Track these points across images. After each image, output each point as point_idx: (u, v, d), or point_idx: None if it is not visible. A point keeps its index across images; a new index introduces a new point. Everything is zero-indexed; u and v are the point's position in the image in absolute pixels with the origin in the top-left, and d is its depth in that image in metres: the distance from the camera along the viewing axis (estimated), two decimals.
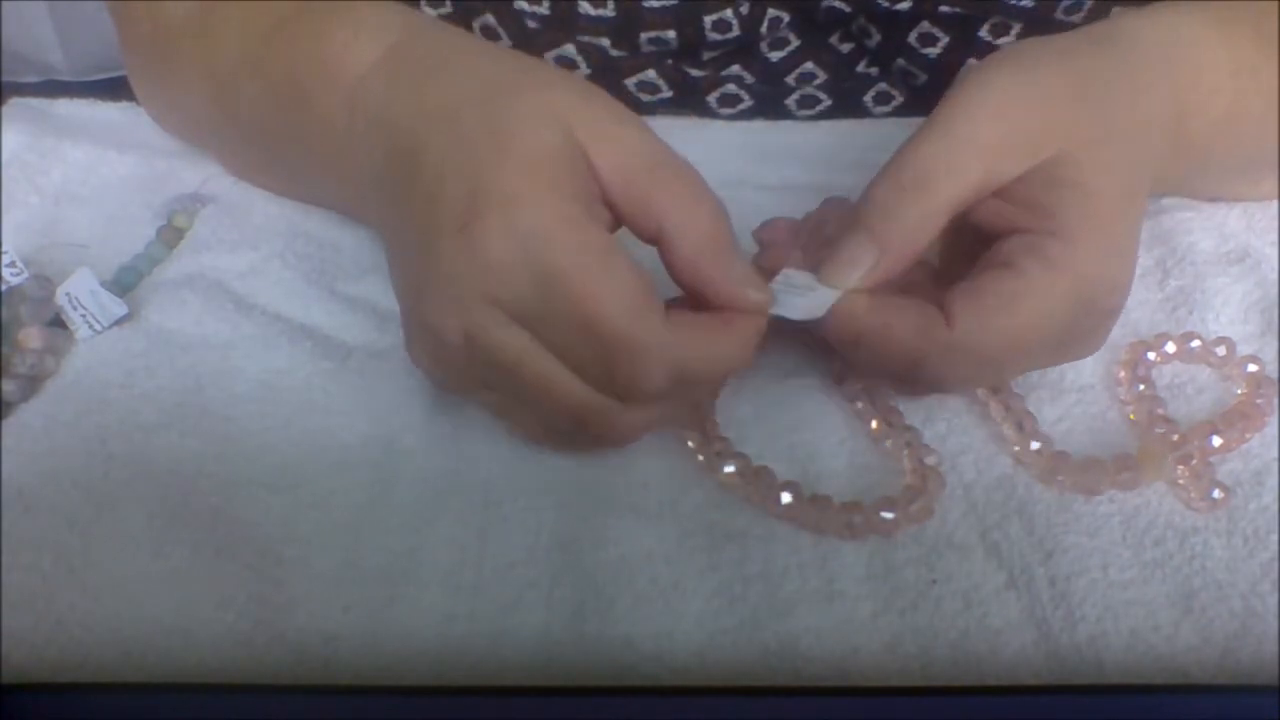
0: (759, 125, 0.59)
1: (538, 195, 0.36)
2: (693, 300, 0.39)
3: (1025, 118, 0.39)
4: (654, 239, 0.38)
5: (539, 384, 0.37)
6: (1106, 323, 0.41)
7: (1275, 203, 0.51)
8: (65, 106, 0.60)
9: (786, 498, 0.40)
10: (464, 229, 0.36)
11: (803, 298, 0.39)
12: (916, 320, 0.38)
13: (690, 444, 0.42)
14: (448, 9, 0.56)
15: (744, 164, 0.56)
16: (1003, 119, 0.39)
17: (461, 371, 0.39)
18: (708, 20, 0.53)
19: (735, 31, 0.54)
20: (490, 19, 0.55)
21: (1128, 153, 0.40)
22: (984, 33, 0.54)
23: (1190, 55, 0.44)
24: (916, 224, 0.38)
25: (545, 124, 0.37)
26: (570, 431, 0.39)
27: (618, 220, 0.39)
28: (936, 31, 0.54)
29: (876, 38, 0.55)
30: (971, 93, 0.39)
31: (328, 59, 0.43)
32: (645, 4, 0.53)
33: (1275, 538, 0.39)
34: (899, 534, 0.40)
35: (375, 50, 0.42)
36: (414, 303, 0.39)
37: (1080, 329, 0.40)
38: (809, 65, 0.56)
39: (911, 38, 0.54)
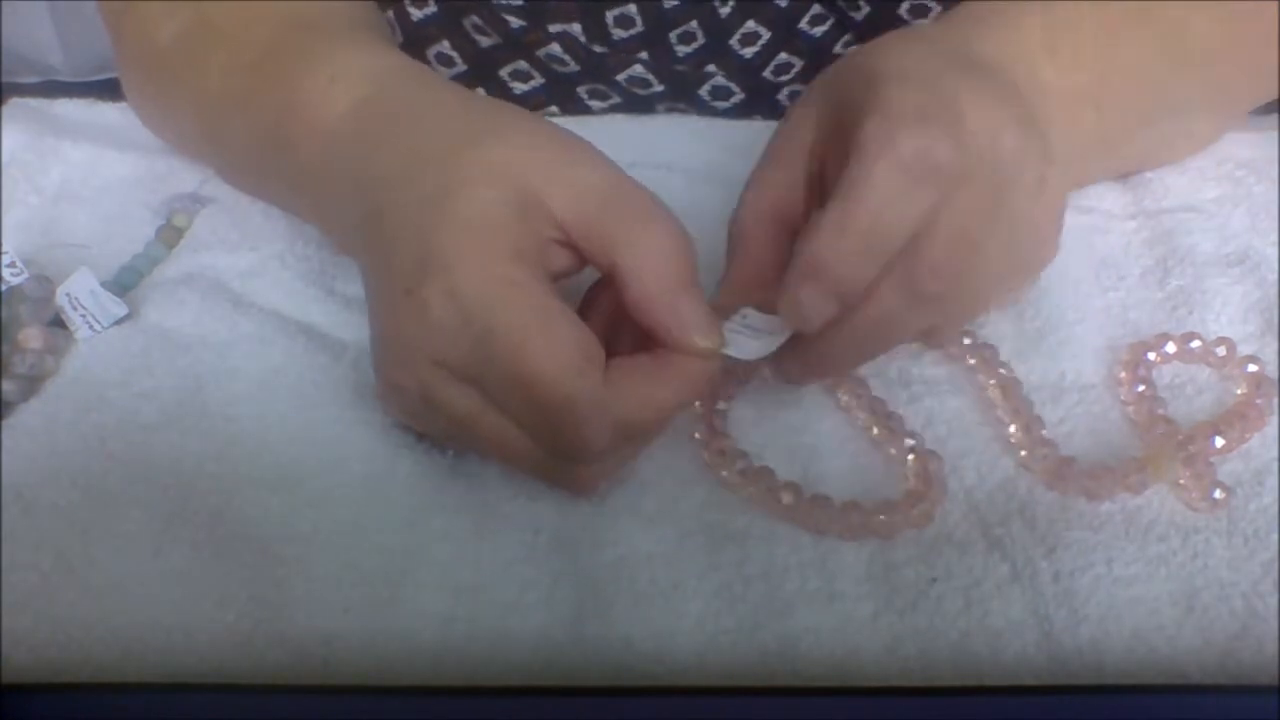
0: (758, 125, 0.59)
1: (476, 258, 0.37)
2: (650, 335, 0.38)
3: (809, 97, 0.41)
4: (611, 276, 0.38)
5: (493, 440, 0.38)
6: (1026, 184, 0.38)
7: (1276, 204, 0.51)
8: (65, 106, 0.60)
9: (787, 498, 0.40)
10: (410, 293, 0.37)
11: (755, 339, 0.39)
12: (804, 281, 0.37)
13: (696, 435, 0.42)
14: (433, 9, 0.56)
15: (744, 165, 0.56)
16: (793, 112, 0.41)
17: (427, 422, 0.40)
18: None
19: None
20: (476, 19, 0.55)
21: (919, 42, 0.41)
22: None
23: (1040, 31, 0.43)
24: (862, 262, 0.37)
25: (490, 182, 0.38)
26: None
27: (583, 260, 0.39)
28: (928, 2, 0.54)
29: (865, 9, 0.55)
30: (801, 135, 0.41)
31: (306, 106, 0.44)
32: None
33: (1275, 538, 0.39)
34: (899, 536, 0.40)
35: (346, 102, 0.43)
36: (377, 357, 0.40)
37: (982, 196, 0.37)
38: (783, 56, 0.56)
39: (903, 9, 0.54)
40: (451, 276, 0.36)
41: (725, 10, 0.55)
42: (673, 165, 0.55)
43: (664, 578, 0.39)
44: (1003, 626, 0.37)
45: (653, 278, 0.37)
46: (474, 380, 0.37)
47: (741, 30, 0.55)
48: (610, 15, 0.54)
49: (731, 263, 0.42)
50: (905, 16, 0.54)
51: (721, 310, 0.40)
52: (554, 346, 0.36)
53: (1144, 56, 0.46)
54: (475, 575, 0.39)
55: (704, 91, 0.58)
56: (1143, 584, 0.38)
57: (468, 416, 0.38)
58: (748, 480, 0.41)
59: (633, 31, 0.55)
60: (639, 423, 0.37)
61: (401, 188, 0.39)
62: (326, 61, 0.45)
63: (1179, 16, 0.46)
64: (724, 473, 0.41)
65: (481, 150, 0.39)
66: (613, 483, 0.41)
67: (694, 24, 0.55)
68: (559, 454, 0.37)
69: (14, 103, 0.60)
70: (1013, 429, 0.42)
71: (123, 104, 0.58)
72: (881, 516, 0.39)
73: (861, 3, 0.54)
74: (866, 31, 0.56)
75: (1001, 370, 0.44)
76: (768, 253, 0.41)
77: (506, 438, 0.38)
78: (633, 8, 0.54)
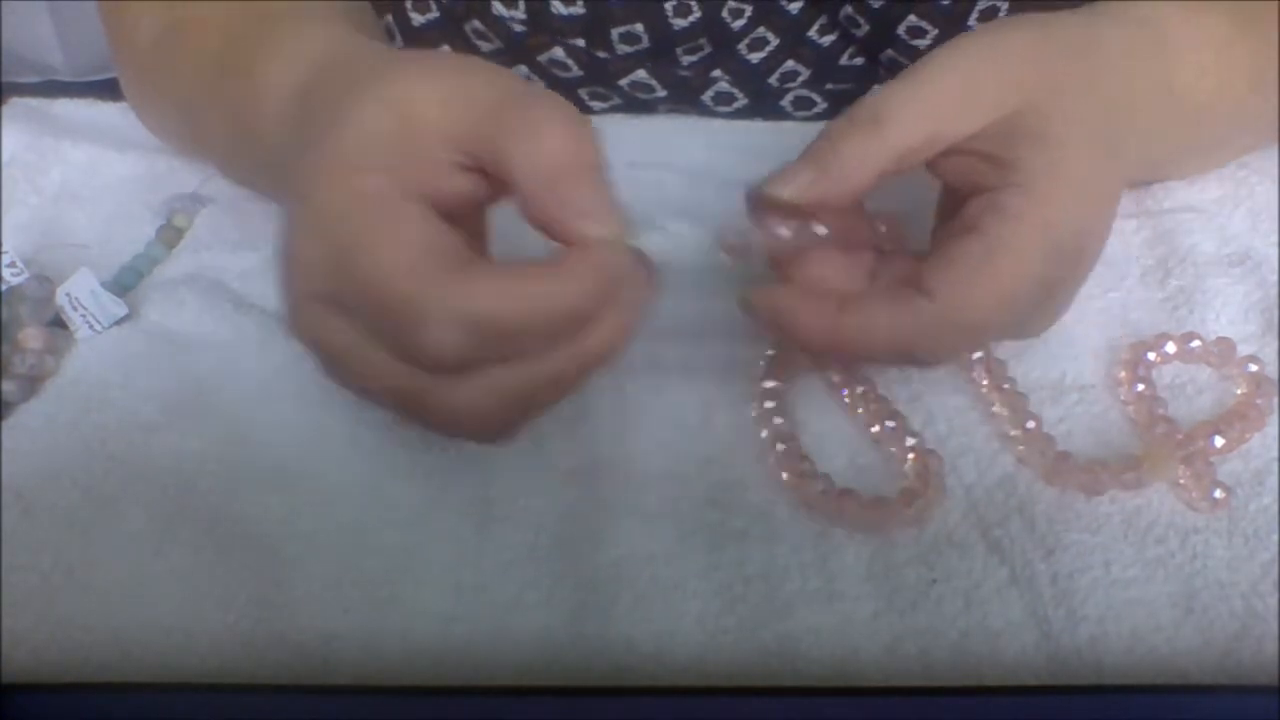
0: (758, 126, 0.59)
1: (334, 178, 0.35)
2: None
3: (985, 74, 0.39)
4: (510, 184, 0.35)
5: (363, 371, 0.36)
6: (1081, 271, 0.40)
7: (1277, 205, 0.51)
8: (65, 106, 0.60)
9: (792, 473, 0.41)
10: (287, 234, 0.36)
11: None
12: (894, 309, 0.38)
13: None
14: (434, 15, 0.56)
15: (744, 165, 0.56)
16: (961, 74, 0.39)
17: (326, 369, 0.38)
18: (668, 6, 0.54)
19: (696, 14, 0.54)
20: (478, 24, 0.55)
21: (1095, 103, 0.40)
22: (973, 22, 0.54)
23: (1174, 37, 0.44)
24: (859, 157, 0.38)
25: (374, 110, 0.35)
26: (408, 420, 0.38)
27: (494, 189, 0.37)
28: (925, 25, 0.54)
29: (865, 28, 0.55)
30: (940, 52, 0.40)
31: (261, 94, 0.43)
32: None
33: (1276, 538, 0.39)
34: (898, 534, 0.40)
35: (292, 83, 0.41)
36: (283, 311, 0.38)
37: (1056, 279, 0.39)
38: (790, 64, 0.57)
39: (900, 30, 0.55)
40: (311, 201, 0.35)
41: (738, 24, 0.55)
42: (672, 165, 0.55)
43: (664, 578, 0.39)
44: (1002, 627, 0.37)
45: (542, 168, 0.34)
46: (342, 306, 0.35)
47: (751, 36, 0.55)
48: (616, 32, 0.54)
49: (829, 172, 0.38)
50: (903, 36, 0.55)
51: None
52: (394, 245, 0.34)
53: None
54: (475, 575, 0.39)
55: (707, 97, 0.58)
56: (1141, 585, 0.38)
57: (341, 351, 0.36)
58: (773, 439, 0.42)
59: (638, 47, 0.55)
60: (500, 324, 0.33)
61: (302, 139, 0.37)
62: (281, 45, 0.44)
63: (1230, 36, 0.46)
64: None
65: (374, 85, 0.36)
66: (508, 435, 0.37)
67: (702, 40, 0.55)
68: (420, 364, 0.35)
69: (14, 103, 0.60)
70: (1009, 424, 0.42)
71: (123, 104, 0.58)
72: (877, 513, 0.39)
73: (861, 20, 0.55)
74: (869, 45, 0.56)
75: (996, 366, 0.44)
76: (866, 182, 0.39)
77: (370, 366, 0.35)
78: (639, 26, 0.54)
